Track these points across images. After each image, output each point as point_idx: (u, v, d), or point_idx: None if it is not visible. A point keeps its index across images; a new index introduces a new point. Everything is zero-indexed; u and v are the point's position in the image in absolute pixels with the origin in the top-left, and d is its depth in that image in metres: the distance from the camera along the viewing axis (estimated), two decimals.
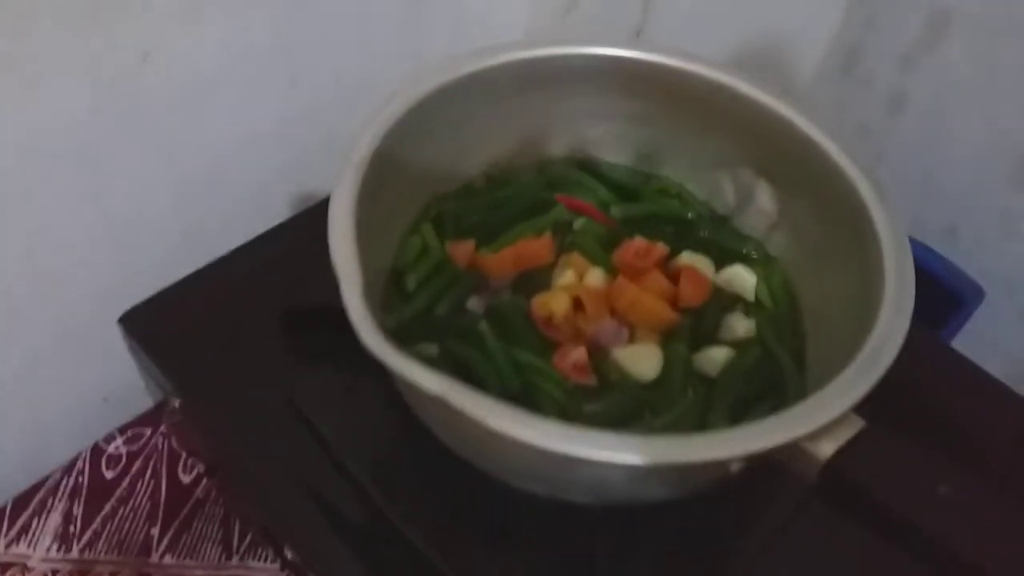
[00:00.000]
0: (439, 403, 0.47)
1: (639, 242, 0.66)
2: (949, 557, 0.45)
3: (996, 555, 0.45)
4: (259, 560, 0.77)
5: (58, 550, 0.76)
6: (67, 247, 0.70)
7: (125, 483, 0.81)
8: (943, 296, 0.85)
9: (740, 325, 0.64)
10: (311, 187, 0.84)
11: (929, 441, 0.49)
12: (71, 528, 0.78)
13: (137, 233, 0.75)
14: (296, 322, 0.70)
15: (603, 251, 0.68)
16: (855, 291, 0.59)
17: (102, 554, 0.76)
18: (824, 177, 0.62)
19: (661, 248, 0.66)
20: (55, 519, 0.78)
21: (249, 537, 0.78)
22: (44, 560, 0.76)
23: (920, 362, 0.54)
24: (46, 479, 0.80)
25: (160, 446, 0.84)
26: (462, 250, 0.66)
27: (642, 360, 0.62)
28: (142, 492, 0.81)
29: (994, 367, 0.72)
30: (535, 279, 0.67)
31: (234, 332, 0.69)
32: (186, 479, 0.83)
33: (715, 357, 0.63)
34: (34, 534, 0.77)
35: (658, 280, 0.65)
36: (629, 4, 0.90)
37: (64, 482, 0.81)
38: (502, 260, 0.66)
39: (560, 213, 0.70)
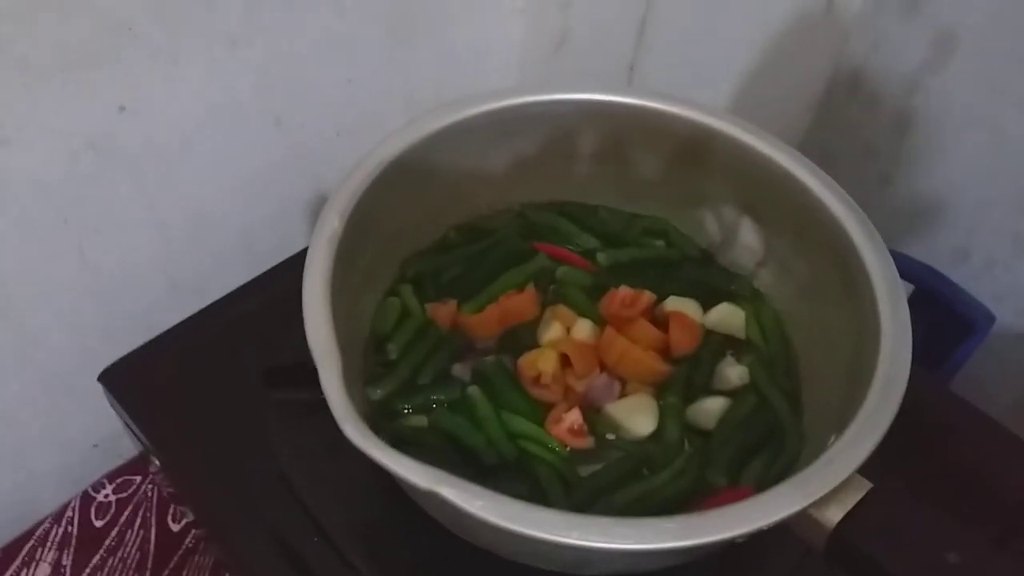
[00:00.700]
0: (431, 497, 0.45)
1: (624, 292, 0.65)
2: None
3: None
4: None
5: None
6: (48, 299, 0.69)
7: (114, 532, 0.80)
8: (954, 322, 0.84)
9: (733, 373, 0.63)
10: (298, 231, 0.82)
11: (936, 496, 0.48)
12: None
13: (120, 284, 0.73)
14: (278, 378, 0.68)
15: (589, 300, 0.66)
16: (848, 332, 0.58)
17: None
18: (809, 215, 0.61)
19: (647, 296, 0.65)
20: (44, 570, 0.77)
21: None
22: None
23: (921, 408, 0.53)
24: (36, 528, 0.78)
25: (150, 494, 0.82)
26: (444, 311, 0.64)
27: (636, 414, 0.61)
28: (131, 541, 0.79)
29: (1006, 390, 0.70)
30: (521, 334, 0.65)
31: (215, 388, 0.66)
32: (175, 528, 0.81)
33: (710, 409, 0.61)
34: None
35: (646, 329, 0.63)
36: (621, 39, 0.88)
37: (54, 531, 0.79)
38: (487, 319, 0.64)
39: (541, 262, 0.68)
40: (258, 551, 0.59)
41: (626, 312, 0.64)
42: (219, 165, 0.72)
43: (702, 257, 0.70)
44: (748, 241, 0.67)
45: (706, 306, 0.67)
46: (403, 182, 0.61)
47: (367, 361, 0.62)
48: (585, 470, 0.59)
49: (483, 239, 0.70)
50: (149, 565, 0.78)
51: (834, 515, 0.46)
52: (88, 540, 0.79)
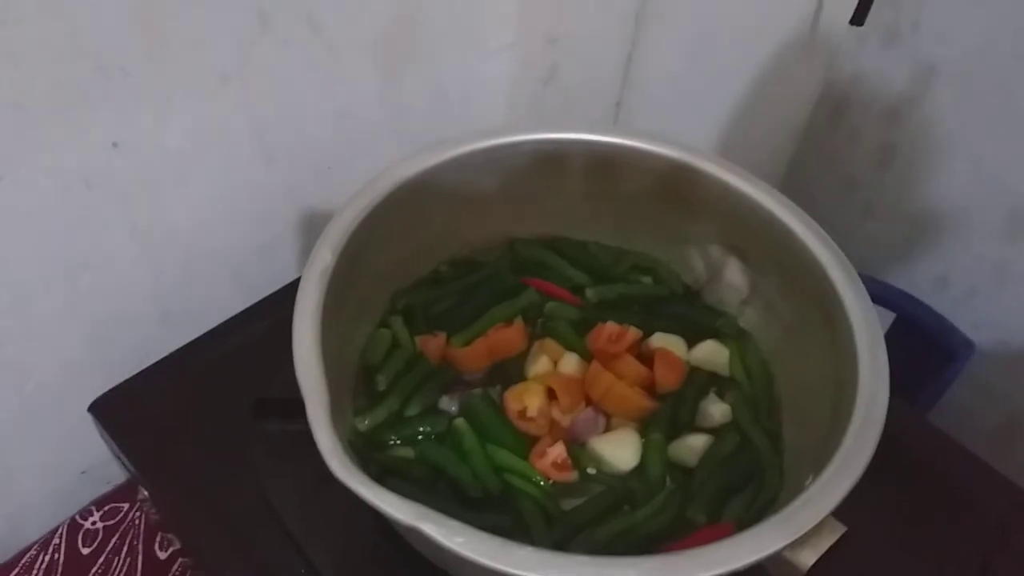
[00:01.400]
0: (414, 532, 0.45)
1: (611, 327, 0.66)
2: None
3: None
4: None
5: None
6: (38, 332, 0.69)
7: (101, 559, 0.79)
8: (934, 350, 0.85)
9: (716, 410, 0.64)
10: (289, 262, 0.83)
11: (913, 535, 0.48)
12: None
13: (112, 317, 0.73)
14: (267, 409, 0.68)
15: (576, 335, 0.68)
16: (829, 373, 0.59)
17: None
18: (793, 257, 0.62)
19: (633, 332, 0.66)
20: None
21: None
22: None
23: (899, 442, 0.54)
24: (21, 556, 0.77)
25: (137, 521, 0.82)
26: (434, 344, 0.65)
27: (620, 448, 0.62)
28: (118, 569, 0.79)
29: (985, 418, 0.71)
30: (509, 368, 0.66)
31: (204, 420, 0.67)
32: (162, 555, 0.80)
33: (693, 445, 0.62)
34: None
35: (631, 365, 0.64)
36: (608, 76, 0.90)
37: (40, 559, 0.78)
38: (475, 353, 0.65)
39: (531, 297, 0.70)
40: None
41: (612, 347, 0.65)
42: (211, 199, 0.72)
43: (688, 294, 0.72)
44: (733, 280, 0.68)
45: (691, 343, 0.68)
46: (395, 217, 0.62)
47: (357, 391, 0.63)
48: (568, 504, 0.60)
49: (474, 273, 0.71)
50: None
51: (807, 559, 0.47)
52: (75, 568, 0.78)
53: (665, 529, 0.58)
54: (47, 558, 0.78)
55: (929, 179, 0.90)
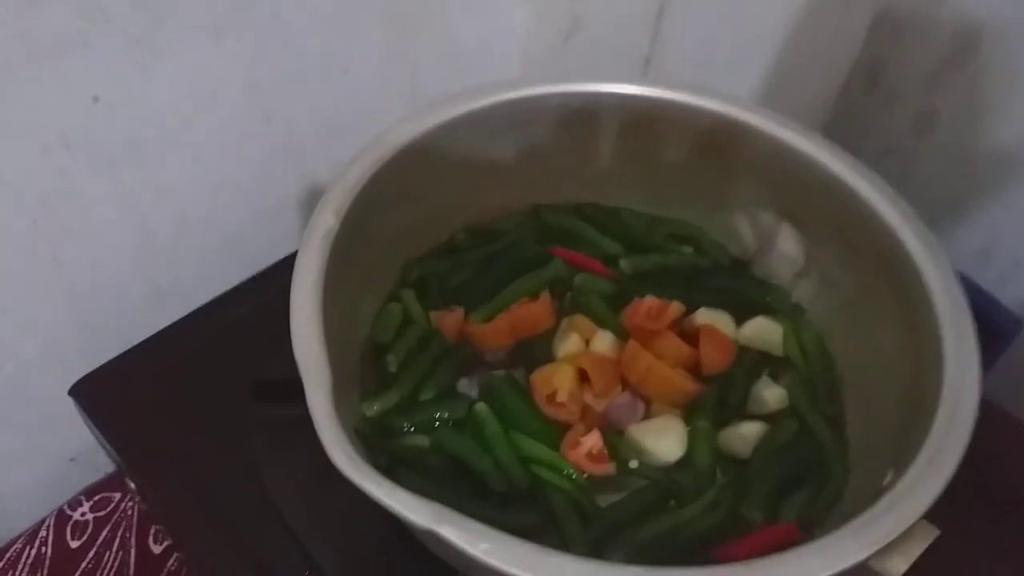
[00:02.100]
0: (431, 536, 0.38)
1: (650, 301, 0.59)
2: None
3: None
4: None
5: None
6: (18, 308, 0.63)
7: (91, 553, 0.74)
8: (978, 328, 0.78)
9: (771, 395, 0.57)
10: (290, 232, 0.77)
11: (1002, 536, 0.41)
12: None
13: (98, 291, 0.68)
14: (266, 392, 0.61)
15: (610, 311, 0.60)
16: (902, 354, 0.52)
17: None
18: (858, 221, 0.55)
19: (676, 307, 0.58)
20: None
21: None
22: None
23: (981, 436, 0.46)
24: (7, 549, 0.73)
25: (129, 512, 0.77)
26: (450, 320, 0.58)
27: (663, 438, 0.55)
28: (109, 564, 0.74)
29: None
30: (535, 347, 0.59)
31: (196, 403, 0.61)
32: (157, 549, 0.75)
33: (745, 434, 0.55)
34: None
35: (674, 344, 0.57)
36: (637, 30, 0.82)
37: (26, 553, 0.73)
38: (497, 329, 0.58)
39: (558, 268, 0.62)
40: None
41: (652, 324, 0.58)
42: (204, 162, 0.67)
43: (734, 266, 0.64)
44: (787, 249, 0.61)
45: (739, 320, 0.61)
46: (406, 178, 0.55)
47: (364, 373, 0.57)
48: (605, 500, 0.53)
49: (494, 242, 0.64)
50: None
51: (897, 568, 0.40)
52: (63, 562, 0.74)
53: (717, 528, 0.51)
54: (33, 551, 0.74)
55: (971, 146, 0.84)
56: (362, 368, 0.57)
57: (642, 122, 0.60)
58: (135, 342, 0.65)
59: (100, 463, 0.75)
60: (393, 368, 0.56)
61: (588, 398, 0.56)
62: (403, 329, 0.58)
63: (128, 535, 0.76)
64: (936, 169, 0.86)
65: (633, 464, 0.54)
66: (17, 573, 0.72)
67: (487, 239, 0.64)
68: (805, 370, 0.59)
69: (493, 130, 0.59)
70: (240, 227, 0.73)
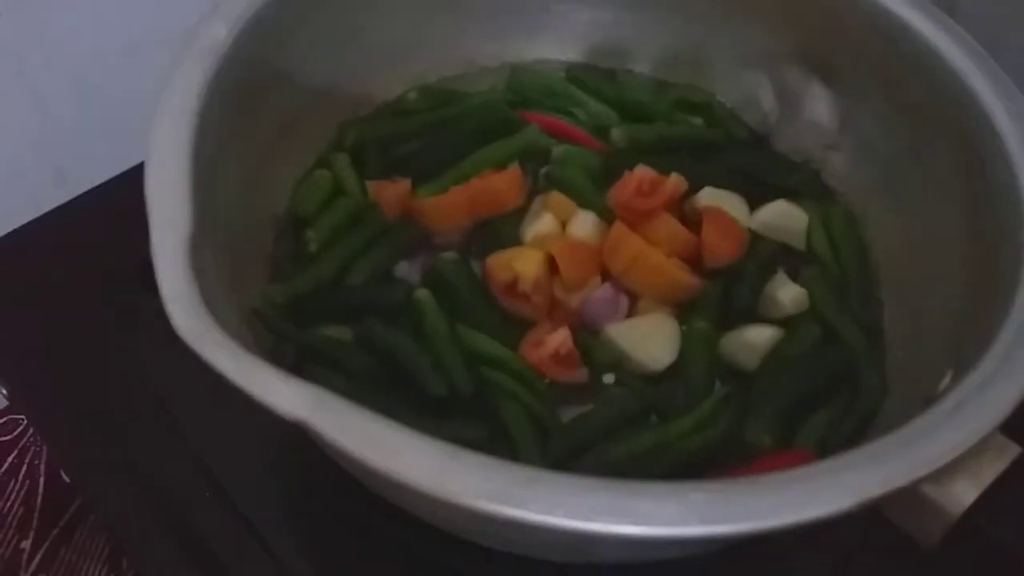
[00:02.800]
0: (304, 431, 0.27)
1: (643, 173, 0.47)
2: None
3: None
4: None
5: None
6: None
7: None
8: None
9: (787, 295, 0.45)
10: None
11: None
12: None
13: None
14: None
15: (595, 189, 0.49)
16: (962, 229, 0.41)
17: None
18: (911, 68, 0.43)
19: (675, 182, 0.47)
20: None
21: None
22: None
23: None
24: None
25: (39, 437, 0.69)
26: (392, 192, 0.47)
27: (650, 339, 0.44)
28: (14, 494, 0.66)
29: None
30: (499, 231, 0.48)
31: (78, 297, 0.50)
32: (69, 479, 0.67)
33: (754, 341, 0.44)
34: None
35: (670, 227, 0.46)
36: None
37: None
38: (450, 204, 0.47)
39: (532, 136, 0.51)
40: (131, 506, 0.44)
41: (643, 202, 0.46)
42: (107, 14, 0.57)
43: (753, 140, 0.52)
44: (816, 114, 0.49)
45: (755, 203, 0.49)
46: (334, 2, 0.43)
47: (280, 251, 0.45)
48: (571, 413, 0.41)
49: (454, 104, 0.51)
50: (34, 523, 0.65)
51: (965, 494, 0.28)
52: None
53: (711, 451, 0.40)
54: None
55: (994, 37, 0.73)
56: (277, 246, 0.45)
57: None
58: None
59: None
60: (313, 247, 0.45)
61: (559, 291, 0.45)
62: (331, 201, 0.47)
63: (37, 462, 0.69)
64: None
65: (608, 378, 0.43)
66: None
67: (446, 100, 0.52)
68: (834, 265, 0.47)
69: None
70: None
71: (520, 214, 0.48)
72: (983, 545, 0.30)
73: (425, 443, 0.27)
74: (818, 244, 0.48)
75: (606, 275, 0.46)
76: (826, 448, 0.40)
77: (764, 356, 0.44)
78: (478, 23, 0.52)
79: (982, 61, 0.41)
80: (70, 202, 0.56)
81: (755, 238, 0.48)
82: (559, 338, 0.42)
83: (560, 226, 0.47)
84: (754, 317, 0.46)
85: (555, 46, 0.54)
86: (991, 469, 0.29)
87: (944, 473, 0.28)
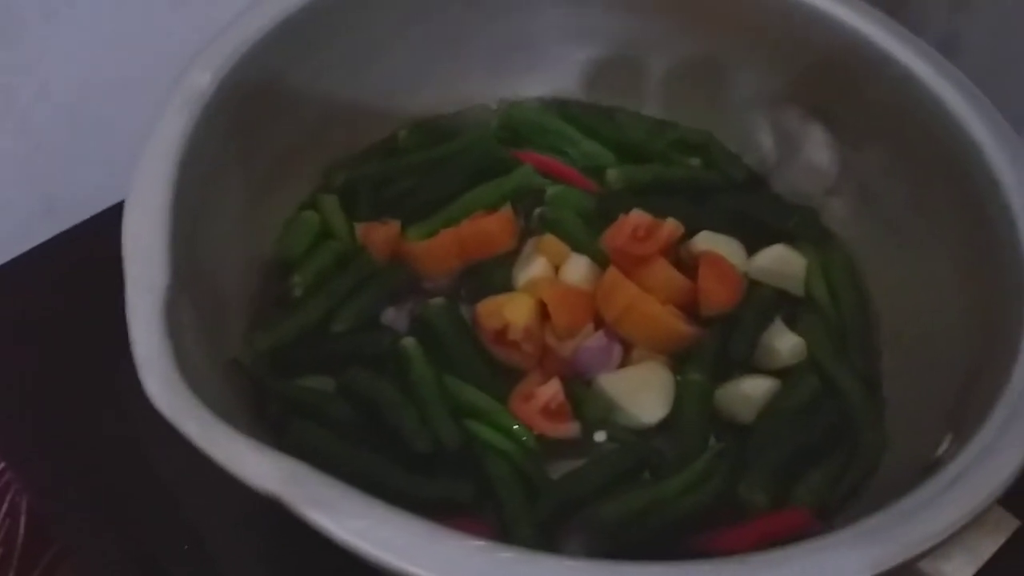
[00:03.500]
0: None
1: (638, 217, 0.46)
2: None
3: None
4: None
5: None
6: None
7: None
8: None
9: (785, 344, 0.44)
10: None
11: None
12: None
13: None
14: None
15: (589, 232, 0.48)
16: (964, 284, 0.40)
17: None
18: (913, 115, 0.43)
19: (671, 227, 0.46)
20: None
21: None
22: None
23: None
24: None
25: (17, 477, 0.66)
26: (380, 234, 0.46)
27: (643, 391, 0.43)
28: None
29: None
30: (490, 274, 0.47)
31: (60, 334, 0.49)
32: None
33: (750, 393, 0.43)
34: None
35: (666, 273, 0.45)
36: None
37: None
38: (441, 247, 0.46)
39: (526, 177, 0.50)
40: (109, 554, 0.42)
41: (639, 247, 0.45)
42: (103, 36, 0.57)
43: (751, 181, 0.51)
44: (816, 157, 0.48)
45: (752, 248, 0.48)
46: (325, 43, 0.43)
47: (264, 296, 0.44)
48: (561, 468, 0.40)
49: (446, 143, 0.51)
50: (14, 564, 0.62)
51: (962, 570, 0.27)
52: None
53: (705, 511, 0.39)
54: None
55: (998, 79, 0.72)
56: (262, 291, 0.44)
57: None
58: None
59: None
60: (299, 292, 0.44)
61: (550, 339, 0.44)
62: (319, 244, 0.46)
63: (19, 499, 0.66)
64: None
65: (599, 437, 0.42)
66: None
67: (439, 139, 0.51)
68: (833, 313, 0.46)
69: None
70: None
71: (512, 257, 0.47)
72: None
73: (401, 519, 0.26)
74: (817, 291, 0.47)
75: (599, 322, 0.45)
76: (823, 506, 0.39)
77: (761, 409, 0.42)
78: (476, 61, 0.52)
79: (984, 110, 0.40)
80: (61, 234, 0.55)
81: (752, 284, 0.47)
82: (549, 391, 0.41)
83: (553, 270, 0.46)
84: (751, 367, 0.45)
85: (550, 84, 0.53)
86: (989, 543, 0.28)
87: (941, 549, 0.27)
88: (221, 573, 0.41)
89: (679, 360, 0.44)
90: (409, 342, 0.42)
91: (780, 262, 0.47)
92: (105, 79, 0.60)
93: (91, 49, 0.59)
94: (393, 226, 0.47)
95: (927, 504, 0.28)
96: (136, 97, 0.59)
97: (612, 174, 0.50)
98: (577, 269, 0.46)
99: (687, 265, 0.46)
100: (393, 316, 0.44)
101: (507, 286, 0.46)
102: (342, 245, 0.46)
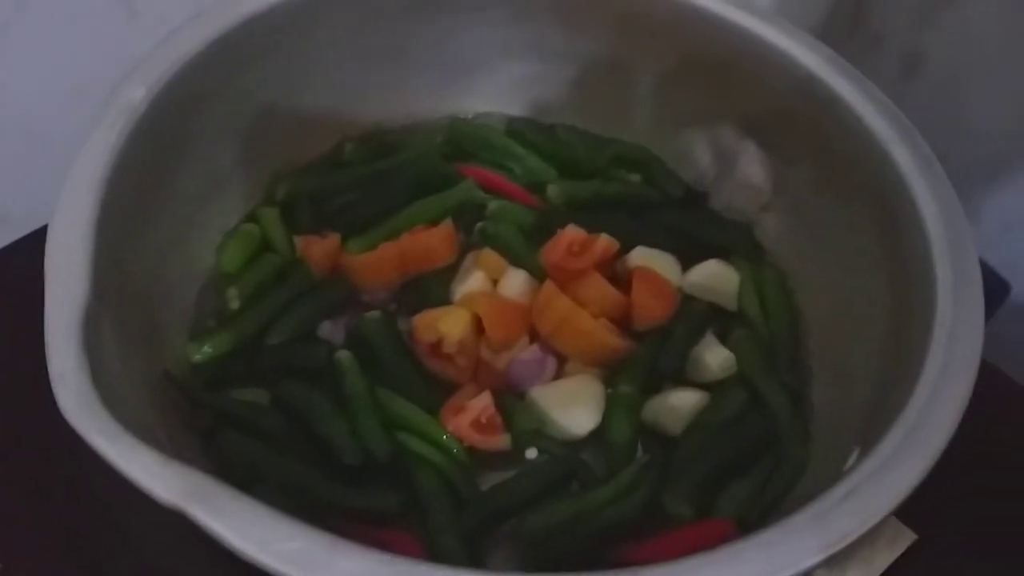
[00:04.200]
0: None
1: (572, 234, 0.46)
2: None
3: None
4: None
5: None
6: None
7: None
8: None
9: (715, 358, 0.45)
10: None
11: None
12: None
13: None
14: None
15: (529, 246, 0.48)
16: (885, 305, 0.41)
17: None
18: (839, 137, 0.43)
19: (605, 242, 0.46)
20: None
21: None
22: None
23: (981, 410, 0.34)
24: None
25: None
26: (319, 248, 0.46)
27: (574, 403, 0.44)
28: None
29: (1019, 373, 0.53)
30: (429, 288, 0.47)
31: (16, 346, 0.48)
32: None
33: (678, 406, 0.43)
34: None
35: (599, 288, 0.46)
36: None
37: None
38: (379, 261, 0.47)
39: (468, 191, 0.50)
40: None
41: (574, 262, 0.46)
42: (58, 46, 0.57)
43: (689, 198, 0.52)
44: (750, 175, 0.49)
45: (689, 262, 0.49)
46: (265, 56, 0.44)
47: (202, 311, 0.45)
48: (492, 480, 0.41)
49: (391, 156, 0.51)
50: None
51: None
52: None
53: (630, 521, 0.40)
54: None
55: (961, 95, 0.76)
56: (201, 304, 0.45)
57: (574, 8, 0.48)
58: None
59: None
60: (235, 304, 0.44)
61: (485, 352, 0.44)
62: (258, 257, 0.46)
63: None
64: (923, 119, 0.77)
65: (531, 454, 0.42)
66: None
67: (383, 152, 0.52)
68: (764, 328, 0.47)
69: (393, 8, 0.47)
70: None
71: (452, 271, 0.48)
72: None
73: (303, 532, 0.27)
74: (749, 306, 0.47)
75: (535, 336, 0.45)
76: (745, 517, 0.39)
77: (688, 421, 0.43)
78: (420, 75, 0.52)
79: (907, 134, 0.41)
80: (15, 242, 0.55)
81: (687, 299, 0.47)
82: (480, 404, 0.42)
83: (491, 284, 0.47)
84: (682, 380, 0.45)
85: (496, 100, 0.54)
86: (885, 555, 0.29)
87: (836, 559, 0.28)
88: None
89: (612, 372, 0.45)
90: (343, 355, 0.43)
91: (714, 277, 0.48)
92: (60, 89, 0.61)
93: (46, 59, 0.59)
94: (333, 239, 0.47)
95: (824, 516, 0.29)
96: (89, 108, 0.60)
97: (552, 189, 0.51)
98: (515, 283, 0.47)
99: (623, 280, 0.47)
100: (330, 329, 0.45)
101: (445, 299, 0.46)
102: (281, 258, 0.46)
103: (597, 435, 0.43)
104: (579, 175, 0.53)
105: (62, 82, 0.60)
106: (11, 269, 0.52)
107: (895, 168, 0.40)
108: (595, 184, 0.52)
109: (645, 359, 0.45)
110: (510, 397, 0.43)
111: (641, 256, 0.48)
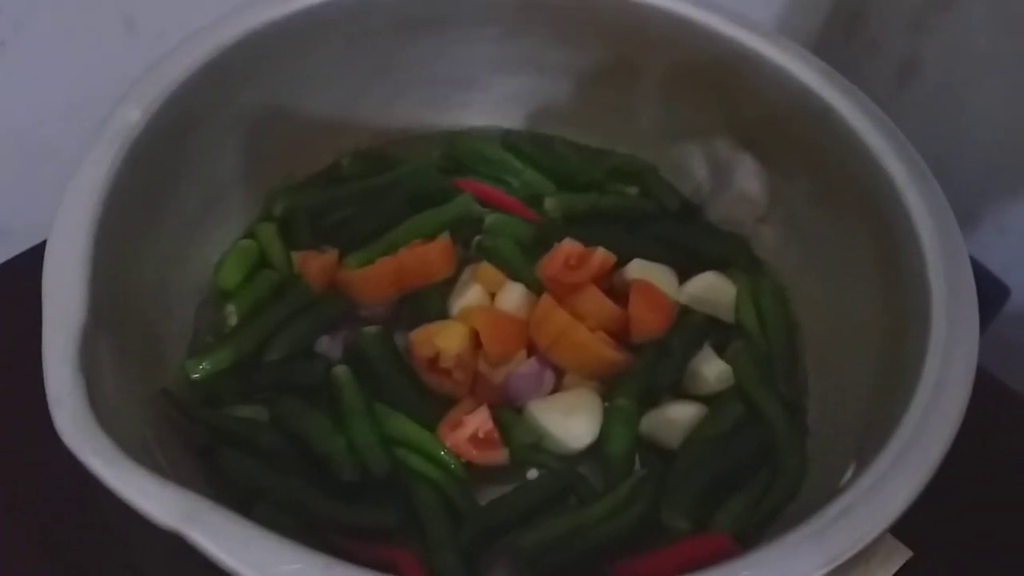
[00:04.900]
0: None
1: (570, 247, 0.47)
2: None
3: None
4: None
5: None
6: None
7: None
8: None
9: (712, 371, 0.45)
10: None
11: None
12: None
13: None
14: None
15: (526, 260, 0.49)
16: (881, 319, 0.41)
17: None
18: (834, 150, 0.43)
19: (602, 256, 0.46)
20: None
21: None
22: None
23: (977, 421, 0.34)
24: None
25: None
26: (317, 263, 0.46)
27: (571, 417, 0.44)
28: None
29: (1020, 373, 0.54)
30: (427, 302, 0.48)
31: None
32: None
33: (676, 419, 0.44)
34: None
35: (596, 301, 0.46)
36: None
37: None
38: (377, 275, 0.47)
39: (466, 206, 0.50)
40: None
41: (571, 276, 0.46)
42: (55, 64, 0.57)
43: (686, 210, 0.52)
44: (746, 187, 0.49)
45: (685, 274, 0.49)
46: (263, 74, 0.44)
47: (200, 327, 0.45)
48: (491, 495, 0.41)
49: (389, 171, 0.51)
50: None
51: None
52: None
53: (628, 536, 0.40)
54: None
55: (957, 100, 0.76)
56: (200, 321, 0.45)
57: (570, 23, 0.49)
58: None
59: None
60: (233, 321, 0.44)
61: (483, 366, 0.44)
62: (255, 274, 0.46)
63: None
64: (919, 124, 0.77)
65: (531, 474, 0.43)
66: None
67: (380, 167, 0.52)
68: (761, 340, 0.47)
69: (386, 24, 0.47)
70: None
71: (449, 285, 0.48)
72: None
73: (298, 553, 0.27)
74: (746, 318, 0.47)
75: (533, 349, 0.45)
76: (743, 534, 0.39)
77: (686, 434, 0.43)
78: (416, 90, 0.52)
79: (902, 148, 0.41)
80: (14, 258, 0.56)
81: (684, 311, 0.47)
82: (478, 419, 0.42)
83: (489, 298, 0.47)
84: (679, 393, 0.45)
85: (493, 114, 0.54)
86: (881, 573, 0.29)
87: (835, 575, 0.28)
88: None
89: (610, 386, 0.45)
90: (341, 371, 0.43)
91: (711, 289, 0.48)
92: (58, 105, 0.61)
93: (43, 76, 0.59)
94: (331, 254, 0.47)
95: (819, 534, 0.29)
96: (89, 124, 0.60)
97: (550, 203, 0.51)
98: (512, 297, 0.47)
99: (620, 292, 0.47)
100: (327, 344, 0.45)
101: (443, 314, 0.47)
102: (279, 274, 0.46)
103: (595, 448, 0.43)
104: (576, 188, 0.53)
105: (59, 99, 0.60)
106: (13, 282, 0.53)
107: (890, 182, 0.40)
108: (592, 197, 0.52)
109: (642, 372, 0.45)
110: (508, 411, 0.44)
111: (638, 269, 0.48)
